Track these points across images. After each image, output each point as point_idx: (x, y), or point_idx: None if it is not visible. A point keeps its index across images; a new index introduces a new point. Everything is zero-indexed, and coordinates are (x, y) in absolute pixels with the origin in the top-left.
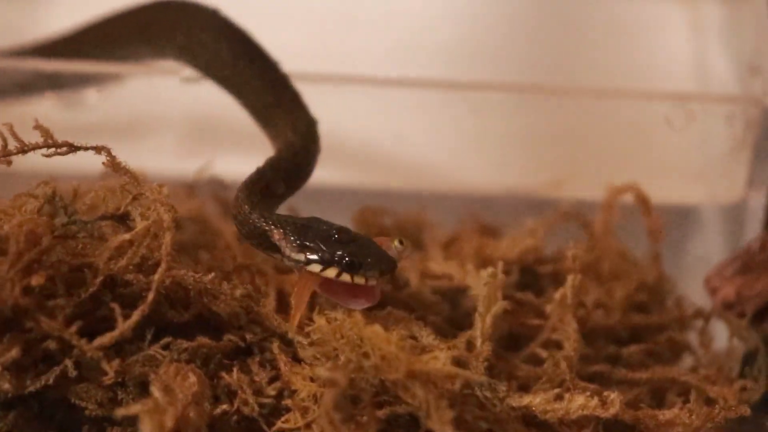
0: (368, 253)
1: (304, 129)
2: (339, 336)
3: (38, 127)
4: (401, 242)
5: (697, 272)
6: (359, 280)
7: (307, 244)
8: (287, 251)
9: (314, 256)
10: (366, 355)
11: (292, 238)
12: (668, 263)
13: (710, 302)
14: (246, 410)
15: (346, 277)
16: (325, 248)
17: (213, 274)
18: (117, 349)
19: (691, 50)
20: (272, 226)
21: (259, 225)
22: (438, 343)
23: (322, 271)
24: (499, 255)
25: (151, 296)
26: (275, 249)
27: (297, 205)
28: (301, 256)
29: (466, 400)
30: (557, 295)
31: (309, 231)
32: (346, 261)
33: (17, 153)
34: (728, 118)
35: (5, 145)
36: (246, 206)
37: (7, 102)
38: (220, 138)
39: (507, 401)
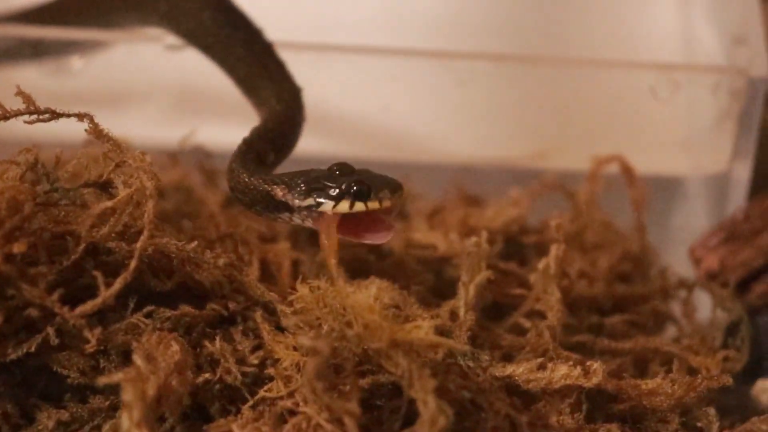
0: (373, 178)
1: (289, 97)
2: (322, 305)
3: (20, 93)
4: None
5: (681, 243)
6: (373, 204)
7: (312, 186)
8: (296, 201)
9: (323, 196)
10: (349, 324)
11: (296, 188)
12: (653, 234)
13: (694, 272)
14: (229, 379)
15: (359, 206)
16: (330, 184)
17: (196, 242)
18: (99, 318)
19: (676, 21)
20: (274, 185)
21: (261, 188)
22: (421, 313)
23: (335, 207)
24: (483, 225)
25: (133, 264)
26: (282, 207)
27: None
28: (310, 201)
29: (448, 369)
30: (541, 265)
31: (310, 176)
32: (355, 189)
33: None
34: (713, 89)
35: None
36: (244, 175)
37: None
38: (204, 106)
39: (490, 371)
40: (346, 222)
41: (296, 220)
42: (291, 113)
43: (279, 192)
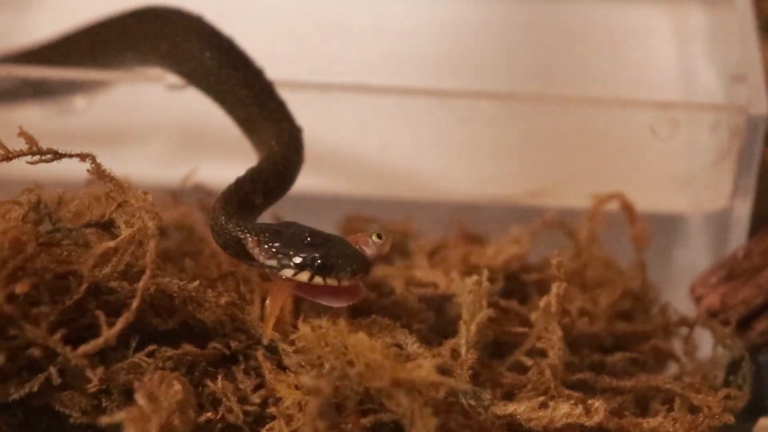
0: (340, 254)
1: (287, 138)
2: (324, 344)
3: (23, 134)
4: (379, 236)
5: (682, 280)
6: (332, 281)
7: (279, 249)
8: (261, 258)
9: (286, 261)
10: (351, 363)
11: (265, 245)
12: (653, 271)
13: (695, 310)
14: (231, 418)
15: (318, 280)
16: (296, 253)
17: (198, 281)
18: (101, 357)
19: (676, 59)
20: (247, 234)
21: (234, 234)
22: (423, 351)
23: (294, 275)
24: (484, 263)
25: (135, 304)
26: (251, 257)
27: (283, 213)
28: (273, 262)
29: (450, 408)
30: (542, 303)
31: (282, 236)
32: (318, 264)
33: (1, 160)
34: (713, 127)
35: None
36: (222, 217)
37: None
38: (205, 145)
39: (491, 409)
40: (308, 284)
41: (264, 270)
42: (288, 154)
43: (250, 242)
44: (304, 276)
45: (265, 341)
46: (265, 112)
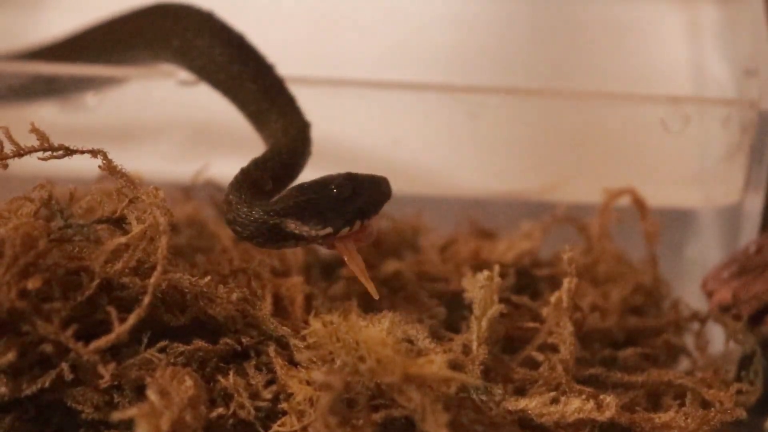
0: (371, 192)
1: (294, 131)
2: (335, 339)
3: (35, 130)
4: None
5: (693, 275)
6: (373, 219)
7: (326, 215)
8: (313, 232)
9: (338, 223)
10: (362, 359)
11: (308, 218)
12: (665, 266)
13: (707, 305)
14: (242, 414)
15: (366, 222)
16: (341, 210)
17: (209, 277)
18: (113, 353)
19: (687, 54)
20: (283, 217)
21: (265, 220)
22: (434, 347)
23: (350, 229)
24: (495, 258)
25: (147, 300)
26: (292, 237)
27: None
28: (329, 230)
29: (461, 403)
30: (553, 299)
31: (315, 202)
32: (363, 210)
33: (13, 156)
34: (724, 121)
35: (2, 149)
36: (243, 207)
37: (4, 105)
38: (216, 141)
39: (503, 405)
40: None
41: (305, 244)
42: (294, 146)
43: (291, 224)
44: (356, 225)
45: (376, 296)
46: (274, 107)
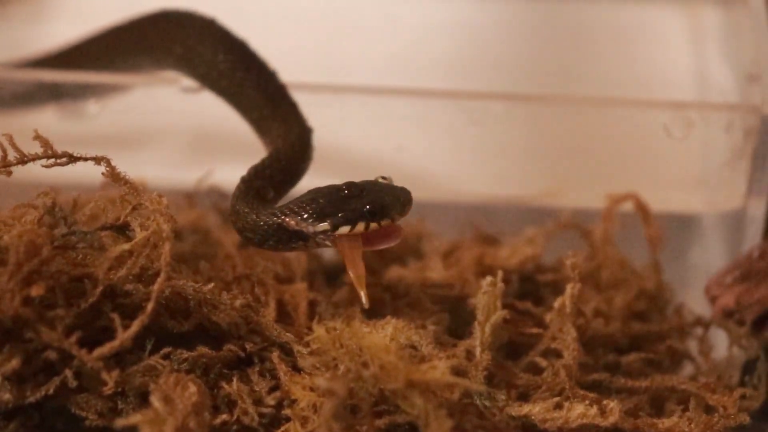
0: (383, 194)
1: (294, 138)
2: (338, 345)
3: (38, 137)
4: (384, 178)
5: (697, 280)
6: (386, 222)
7: (326, 211)
8: (311, 228)
9: (338, 219)
10: (365, 365)
11: (307, 214)
12: (668, 271)
13: (710, 310)
14: (246, 420)
15: (374, 225)
16: (344, 207)
17: (213, 284)
18: (117, 360)
19: (690, 59)
20: (283, 217)
21: (271, 222)
22: (437, 353)
23: (352, 229)
24: (498, 264)
25: (150, 306)
26: (296, 236)
27: None
28: (325, 225)
29: (465, 409)
30: (556, 304)
31: (319, 201)
32: (368, 209)
33: (17, 163)
34: (727, 127)
35: (5, 156)
36: (252, 214)
37: (7, 113)
38: (219, 147)
39: (506, 410)
40: (364, 235)
41: (312, 246)
42: (293, 152)
43: (291, 222)
44: (360, 227)
45: (365, 304)
46: (276, 113)
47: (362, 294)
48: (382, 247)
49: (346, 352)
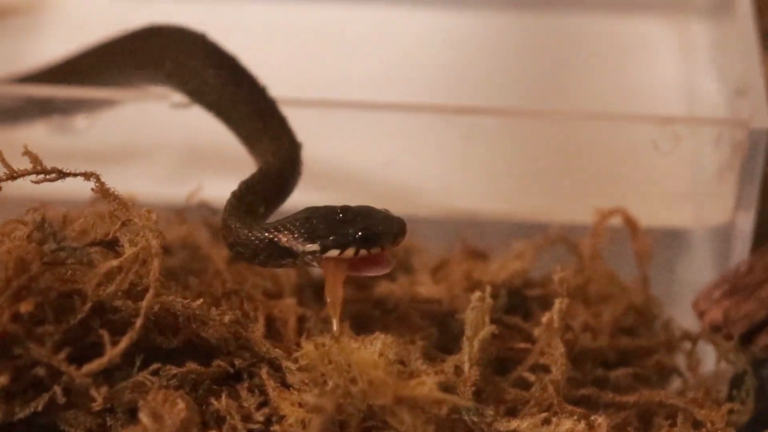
0: (377, 222)
1: (284, 153)
2: (327, 361)
3: (27, 153)
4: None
5: (685, 295)
6: (376, 250)
7: (317, 232)
8: (300, 247)
9: (329, 242)
10: (354, 381)
11: (299, 233)
12: (656, 286)
13: (698, 325)
14: None
15: (363, 252)
16: (336, 230)
17: (202, 299)
18: (106, 376)
19: (678, 73)
20: (276, 232)
21: (262, 238)
22: (426, 368)
23: (341, 254)
24: (487, 279)
25: (139, 322)
26: (286, 253)
27: None
28: (315, 246)
29: (453, 425)
30: (544, 319)
31: (313, 221)
32: (360, 236)
33: (7, 179)
34: (715, 141)
35: None
36: (244, 229)
37: None
38: (209, 163)
39: (494, 426)
40: (351, 260)
41: (301, 264)
42: (282, 167)
43: (283, 238)
44: (350, 252)
45: (336, 331)
46: (266, 128)
47: (334, 322)
48: (368, 275)
49: (334, 367)
